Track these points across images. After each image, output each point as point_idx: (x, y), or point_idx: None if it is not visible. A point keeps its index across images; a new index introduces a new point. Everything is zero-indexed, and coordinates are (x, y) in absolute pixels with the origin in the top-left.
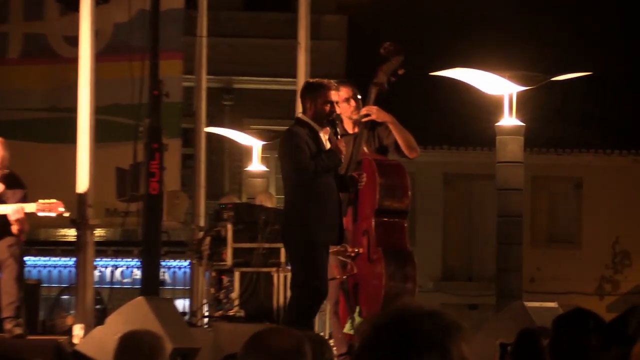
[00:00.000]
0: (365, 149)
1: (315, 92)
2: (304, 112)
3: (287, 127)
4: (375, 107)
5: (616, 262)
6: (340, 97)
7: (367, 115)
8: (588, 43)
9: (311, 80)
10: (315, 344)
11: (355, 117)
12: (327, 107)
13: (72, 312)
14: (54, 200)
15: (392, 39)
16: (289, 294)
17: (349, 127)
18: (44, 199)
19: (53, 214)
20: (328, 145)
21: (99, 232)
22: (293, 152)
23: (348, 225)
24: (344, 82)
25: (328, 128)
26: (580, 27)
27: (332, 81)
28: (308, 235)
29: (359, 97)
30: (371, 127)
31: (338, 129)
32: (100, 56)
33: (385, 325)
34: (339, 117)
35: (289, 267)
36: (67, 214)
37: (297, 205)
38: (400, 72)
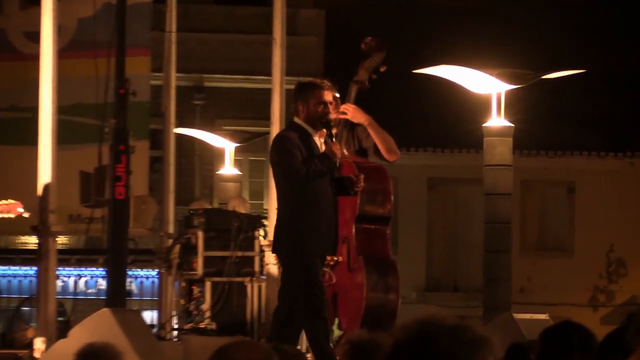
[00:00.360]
0: (344, 151)
1: (306, 93)
2: (297, 115)
3: (261, 129)
4: (352, 106)
5: (611, 271)
6: (322, 100)
7: (343, 113)
8: (581, 39)
9: (303, 80)
10: (290, 358)
11: (333, 116)
12: (320, 108)
13: (33, 324)
14: (12, 201)
15: (374, 34)
16: (263, 305)
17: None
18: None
19: (12, 215)
20: (324, 149)
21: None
22: (282, 156)
23: None
24: (327, 85)
25: (324, 130)
26: (574, 22)
27: (325, 80)
28: (300, 244)
29: (338, 95)
30: (351, 127)
31: (334, 131)
32: (63, 53)
33: (408, 341)
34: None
35: (263, 277)
36: (26, 215)
37: (288, 213)
38: (382, 69)
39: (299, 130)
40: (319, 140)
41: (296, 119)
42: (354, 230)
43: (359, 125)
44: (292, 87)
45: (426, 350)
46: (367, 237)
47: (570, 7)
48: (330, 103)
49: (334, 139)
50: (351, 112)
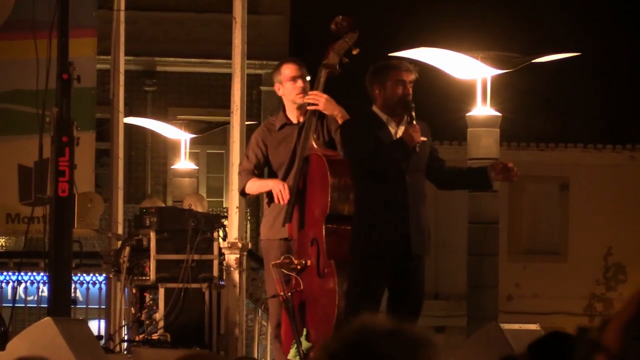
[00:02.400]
0: (313, 142)
1: (383, 75)
2: (374, 102)
3: (220, 118)
4: (324, 97)
5: (608, 277)
6: (285, 77)
7: (312, 104)
8: (575, 18)
9: (377, 63)
10: None
11: (299, 101)
12: (400, 90)
13: None
14: None
15: (345, 13)
16: (222, 314)
17: (293, 116)
18: None
19: None
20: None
21: None
22: (346, 146)
23: (293, 233)
24: (290, 60)
25: (405, 116)
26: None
27: (402, 61)
28: (362, 240)
29: (308, 78)
30: (320, 117)
31: (413, 113)
32: None
33: (341, 352)
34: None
35: (223, 283)
36: None
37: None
38: (355, 51)
39: (370, 117)
40: (395, 128)
41: (374, 107)
42: (324, 230)
43: (329, 114)
44: (255, 72)
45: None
46: (339, 238)
47: None
48: (410, 83)
49: (414, 122)
50: (323, 103)
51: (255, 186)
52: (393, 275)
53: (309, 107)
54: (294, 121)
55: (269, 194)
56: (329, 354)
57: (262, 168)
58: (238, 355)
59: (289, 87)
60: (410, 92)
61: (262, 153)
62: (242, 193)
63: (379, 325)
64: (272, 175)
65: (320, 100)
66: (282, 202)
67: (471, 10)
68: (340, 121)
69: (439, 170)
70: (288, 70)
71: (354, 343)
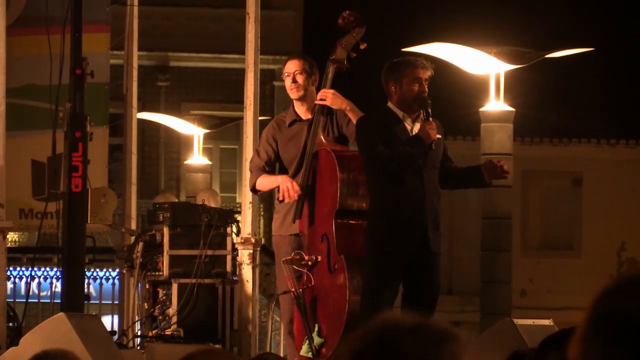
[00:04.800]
0: (322, 138)
1: (399, 72)
2: (389, 99)
3: (233, 113)
4: (331, 91)
5: (622, 272)
6: (284, 73)
7: (321, 99)
8: (589, 14)
9: (394, 59)
10: None
11: (293, 96)
12: (416, 87)
13: None
14: None
15: (355, 8)
16: (235, 309)
17: (301, 112)
18: None
19: None
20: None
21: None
22: (361, 143)
23: (303, 228)
24: (292, 56)
25: (421, 112)
26: None
27: (418, 58)
28: (379, 236)
29: (315, 73)
30: (329, 112)
31: (429, 110)
32: (12, 29)
33: (368, 351)
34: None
35: (236, 279)
36: None
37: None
38: (362, 46)
39: (386, 114)
40: (411, 125)
41: (389, 104)
42: (334, 226)
43: (338, 109)
44: (268, 67)
45: (390, 357)
46: (349, 233)
47: None
48: (426, 80)
49: (430, 119)
50: (330, 98)
51: (265, 182)
52: (409, 271)
53: (317, 102)
54: (303, 117)
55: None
56: (352, 352)
57: (272, 164)
58: (252, 351)
59: (286, 82)
60: (426, 89)
61: (273, 149)
62: (253, 190)
63: (402, 321)
64: (283, 170)
65: (327, 95)
66: (286, 200)
67: (484, 5)
68: (350, 114)
69: (447, 170)
70: (286, 66)
71: (377, 340)
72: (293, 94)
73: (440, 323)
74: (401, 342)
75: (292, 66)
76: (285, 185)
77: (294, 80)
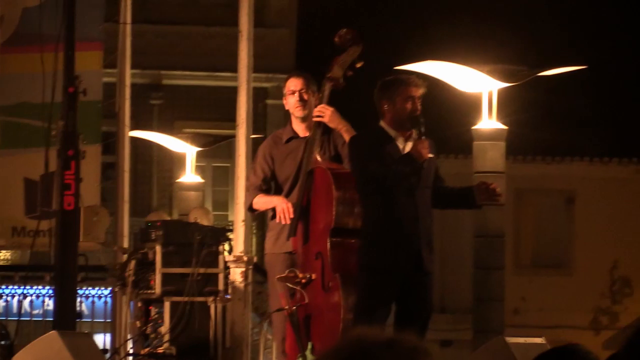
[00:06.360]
0: (317, 156)
1: (392, 90)
2: (381, 117)
3: (226, 131)
4: (330, 109)
5: (614, 290)
6: (287, 90)
7: (318, 116)
8: (581, 31)
9: (387, 78)
10: None
11: (297, 114)
12: (409, 105)
13: None
14: None
15: (350, 26)
16: (227, 327)
17: (299, 129)
18: None
19: None
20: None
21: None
22: (353, 160)
23: (297, 246)
24: (294, 73)
25: (413, 131)
26: (573, 13)
27: (411, 76)
28: (372, 255)
29: (315, 91)
30: (326, 131)
31: (422, 129)
32: (5, 47)
33: None
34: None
35: (228, 297)
36: None
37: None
38: (358, 64)
39: (378, 133)
40: (403, 144)
41: (381, 123)
42: (329, 244)
43: (334, 129)
44: (261, 85)
45: None
46: (344, 252)
47: None
48: (419, 99)
49: (422, 137)
50: (328, 116)
51: (262, 202)
52: (402, 290)
53: (314, 119)
54: (301, 135)
55: (274, 209)
56: None
57: (269, 182)
58: None
59: (289, 100)
60: (419, 107)
61: (269, 166)
62: (250, 209)
63: (375, 336)
64: (278, 188)
65: (325, 112)
66: (283, 222)
67: (477, 24)
68: (345, 135)
69: (439, 190)
70: (290, 83)
71: (350, 355)
72: (298, 111)
73: (414, 338)
74: (374, 357)
75: (297, 83)
76: (282, 207)
77: (301, 98)
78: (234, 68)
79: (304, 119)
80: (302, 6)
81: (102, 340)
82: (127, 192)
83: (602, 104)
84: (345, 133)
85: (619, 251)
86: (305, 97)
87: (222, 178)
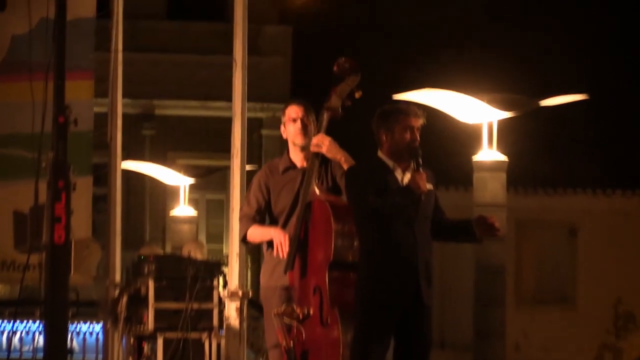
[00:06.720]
0: (315, 188)
1: (391, 120)
2: (380, 148)
3: (220, 163)
4: (328, 139)
5: (619, 326)
6: (287, 118)
7: (317, 145)
8: (583, 60)
9: (385, 107)
10: None
11: (298, 142)
12: (408, 135)
13: None
14: None
15: (347, 54)
16: None
17: (297, 159)
18: None
19: None
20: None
21: None
22: (349, 191)
23: (294, 280)
24: (293, 101)
25: (412, 163)
26: (574, 42)
27: (411, 106)
28: (369, 289)
29: (313, 120)
30: (323, 161)
31: (420, 160)
32: None
33: None
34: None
35: (223, 333)
36: None
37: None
38: (357, 94)
39: (376, 163)
40: (402, 175)
41: (379, 153)
42: (327, 278)
43: (333, 159)
44: (256, 115)
45: None
46: (342, 286)
47: (570, 23)
48: (418, 129)
49: (420, 169)
50: (327, 146)
51: (257, 234)
52: (400, 325)
53: (312, 149)
54: (298, 165)
55: (270, 241)
56: None
57: (264, 213)
58: None
59: (290, 128)
60: (418, 138)
61: (264, 197)
62: (244, 240)
63: None
64: (272, 220)
65: (324, 142)
66: (281, 255)
67: (477, 52)
68: (344, 165)
69: (438, 222)
70: (291, 111)
71: None
72: (300, 139)
73: None
74: None
75: (298, 111)
76: (279, 240)
77: (303, 126)
78: (228, 97)
79: (303, 148)
80: (297, 33)
81: None
82: (119, 225)
83: (605, 134)
84: (345, 163)
85: (624, 286)
86: (308, 124)
87: (216, 210)
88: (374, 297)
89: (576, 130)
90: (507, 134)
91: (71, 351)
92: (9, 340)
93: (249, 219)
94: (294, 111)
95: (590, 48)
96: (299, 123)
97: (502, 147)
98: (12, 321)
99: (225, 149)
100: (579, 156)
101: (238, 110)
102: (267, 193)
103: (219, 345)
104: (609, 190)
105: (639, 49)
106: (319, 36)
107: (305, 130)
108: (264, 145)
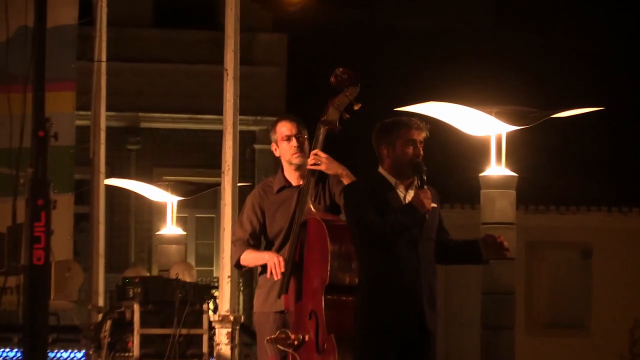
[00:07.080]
0: (311, 206)
1: (392, 134)
2: (380, 163)
3: (210, 179)
4: (325, 155)
5: (635, 352)
6: (280, 136)
7: (315, 164)
8: (597, 71)
9: (385, 120)
10: None
11: (295, 161)
12: (410, 149)
13: None
14: None
15: (345, 64)
16: None
17: (292, 178)
18: None
19: None
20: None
21: None
22: (348, 211)
23: (289, 305)
24: (285, 117)
25: (415, 179)
26: (588, 51)
27: (413, 119)
28: (369, 314)
29: (306, 136)
30: (319, 178)
31: (424, 177)
32: None
33: None
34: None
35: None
36: None
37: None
38: (356, 107)
39: (376, 180)
40: (404, 192)
41: (380, 169)
42: (323, 302)
43: (332, 176)
44: (249, 128)
45: None
46: (339, 311)
47: (584, 34)
48: (421, 143)
49: (425, 186)
50: (325, 163)
51: (251, 258)
52: (403, 352)
53: (309, 167)
54: (294, 183)
55: (264, 265)
56: None
57: (258, 237)
58: None
59: (284, 146)
60: (421, 152)
61: (258, 220)
62: (237, 265)
63: None
64: (268, 243)
65: (321, 159)
66: (275, 278)
67: (484, 64)
68: (345, 181)
69: (443, 243)
70: (283, 128)
71: None
72: (296, 159)
73: None
74: None
75: (291, 128)
76: (273, 262)
77: (299, 144)
78: (219, 110)
79: (299, 167)
80: (292, 42)
81: None
82: (102, 246)
83: (621, 149)
84: (346, 178)
85: None
86: (303, 142)
87: (206, 230)
88: (374, 323)
89: (590, 145)
90: (517, 149)
91: None
92: None
93: (242, 244)
94: (286, 128)
95: (606, 61)
96: (294, 141)
97: (512, 162)
98: None
99: (215, 165)
100: (593, 172)
101: (229, 124)
102: (261, 215)
103: None
104: (625, 209)
105: None
106: (315, 44)
107: (301, 149)
108: (256, 160)
